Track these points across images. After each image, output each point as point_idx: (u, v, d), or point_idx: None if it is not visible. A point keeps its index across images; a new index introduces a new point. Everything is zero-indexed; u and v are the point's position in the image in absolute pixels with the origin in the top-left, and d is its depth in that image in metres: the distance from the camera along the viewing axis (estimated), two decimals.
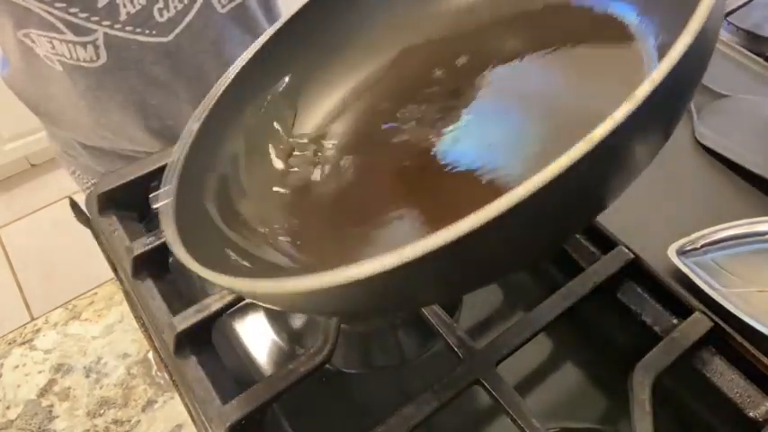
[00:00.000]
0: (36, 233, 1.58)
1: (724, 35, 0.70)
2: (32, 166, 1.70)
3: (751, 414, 0.37)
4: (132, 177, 0.48)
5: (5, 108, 1.47)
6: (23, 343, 0.46)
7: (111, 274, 0.48)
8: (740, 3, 0.68)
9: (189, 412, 0.38)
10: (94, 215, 0.46)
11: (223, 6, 0.61)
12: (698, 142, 0.52)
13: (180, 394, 0.39)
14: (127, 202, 0.48)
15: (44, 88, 0.62)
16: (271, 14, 0.68)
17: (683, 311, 0.41)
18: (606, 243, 0.44)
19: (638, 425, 0.35)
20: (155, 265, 0.45)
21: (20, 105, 0.66)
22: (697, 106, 0.54)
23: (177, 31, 0.59)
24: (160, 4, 0.56)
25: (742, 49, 0.60)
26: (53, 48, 0.56)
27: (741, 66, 0.59)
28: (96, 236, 0.47)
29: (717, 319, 0.39)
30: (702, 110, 0.54)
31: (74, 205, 0.47)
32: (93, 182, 0.75)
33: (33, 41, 0.57)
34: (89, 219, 0.47)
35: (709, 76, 0.55)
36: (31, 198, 1.65)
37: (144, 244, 0.44)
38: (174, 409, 0.42)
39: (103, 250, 0.46)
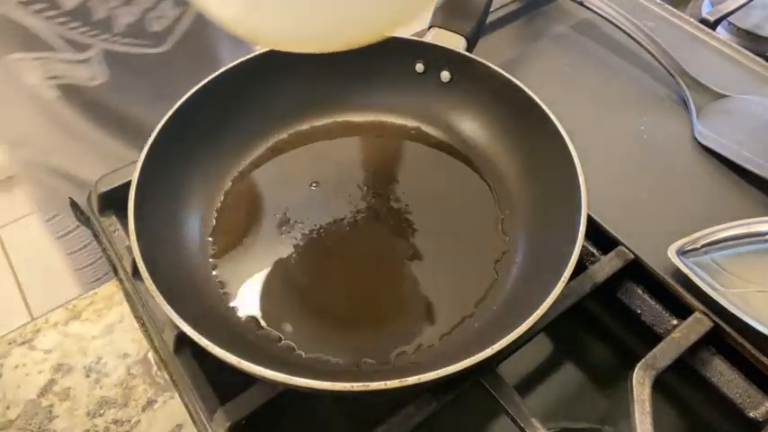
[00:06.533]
0: (36, 233, 1.57)
1: (724, 35, 0.70)
2: None
3: (751, 414, 0.38)
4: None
5: None
6: (23, 343, 0.47)
7: (111, 274, 0.48)
8: (740, 3, 0.68)
9: (189, 412, 0.38)
10: (94, 215, 0.46)
11: None
12: (698, 142, 0.51)
13: (180, 394, 0.38)
14: (127, 202, 0.48)
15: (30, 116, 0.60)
16: None
17: (683, 311, 0.41)
18: (606, 243, 0.44)
19: (638, 425, 0.35)
20: None
21: None
22: (697, 106, 0.54)
23: (172, 40, 0.58)
24: (156, 13, 0.56)
25: (742, 49, 0.60)
26: (47, 71, 0.55)
27: (741, 66, 0.59)
28: (96, 236, 0.47)
29: (717, 319, 0.39)
30: (702, 110, 0.53)
31: (74, 205, 0.47)
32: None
33: (20, 69, 0.55)
34: (89, 219, 0.47)
35: (709, 76, 0.55)
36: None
37: None
38: (173, 409, 0.42)
39: (103, 250, 0.46)
